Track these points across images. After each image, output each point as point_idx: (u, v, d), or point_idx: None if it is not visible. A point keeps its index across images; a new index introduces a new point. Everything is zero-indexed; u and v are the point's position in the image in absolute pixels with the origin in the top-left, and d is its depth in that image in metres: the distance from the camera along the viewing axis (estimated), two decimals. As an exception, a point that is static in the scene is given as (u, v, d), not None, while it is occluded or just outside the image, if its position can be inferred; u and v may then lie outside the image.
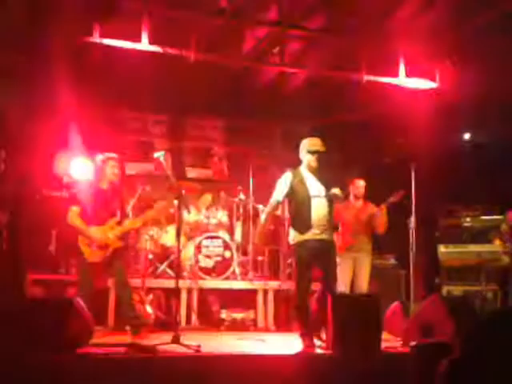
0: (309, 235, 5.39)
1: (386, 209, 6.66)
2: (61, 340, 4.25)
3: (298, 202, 5.48)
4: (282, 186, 5.56)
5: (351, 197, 6.95)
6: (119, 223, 5.97)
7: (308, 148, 5.54)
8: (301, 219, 5.44)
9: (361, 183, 6.94)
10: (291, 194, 5.52)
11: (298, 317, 5.47)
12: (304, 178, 5.52)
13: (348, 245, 6.75)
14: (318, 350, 5.17)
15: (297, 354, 4.92)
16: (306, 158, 5.56)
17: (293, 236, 5.52)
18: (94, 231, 5.81)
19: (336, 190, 5.40)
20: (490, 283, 6.98)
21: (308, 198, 5.42)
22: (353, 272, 6.74)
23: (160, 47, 6.63)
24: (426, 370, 4.44)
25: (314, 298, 5.56)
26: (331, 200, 5.48)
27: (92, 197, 5.96)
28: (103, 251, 5.81)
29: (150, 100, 8.58)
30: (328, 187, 5.46)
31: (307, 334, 5.32)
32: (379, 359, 4.72)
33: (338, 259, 6.25)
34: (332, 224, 5.61)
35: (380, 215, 6.72)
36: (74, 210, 5.88)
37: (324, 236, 5.42)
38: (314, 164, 5.52)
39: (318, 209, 5.41)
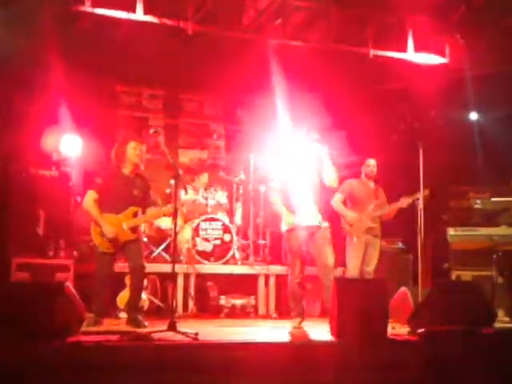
0: None
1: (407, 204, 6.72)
2: (50, 328, 4.16)
3: None
4: None
5: (363, 176, 7.01)
6: (136, 214, 5.79)
7: None
8: None
9: (372, 162, 6.98)
10: None
11: None
12: None
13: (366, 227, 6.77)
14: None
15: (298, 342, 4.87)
16: None
17: None
18: (108, 219, 5.62)
19: None
20: (501, 268, 6.90)
21: None
22: (362, 257, 6.74)
23: (156, 18, 6.48)
24: (435, 358, 4.42)
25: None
26: None
27: (111, 182, 5.77)
28: (113, 244, 5.67)
29: (145, 73, 8.43)
30: None
31: None
32: (385, 347, 4.64)
33: (350, 241, 6.72)
34: None
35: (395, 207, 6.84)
36: (91, 194, 5.70)
37: None
38: None
39: None
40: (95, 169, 6.77)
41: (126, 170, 5.82)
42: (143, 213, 5.87)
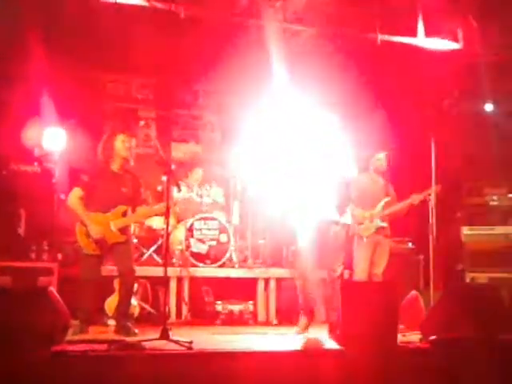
0: None
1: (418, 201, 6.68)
2: (32, 336, 4.13)
3: None
4: None
5: (371, 171, 6.98)
6: (125, 213, 5.77)
7: None
8: None
9: (381, 156, 6.96)
10: None
11: None
12: None
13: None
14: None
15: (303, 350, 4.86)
16: None
17: None
18: (95, 219, 5.61)
19: None
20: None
21: None
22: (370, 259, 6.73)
23: (146, 1, 6.48)
24: (448, 367, 4.42)
25: None
26: None
27: (98, 179, 5.76)
28: (100, 245, 5.65)
29: (134, 61, 8.41)
30: None
31: None
32: (395, 355, 4.63)
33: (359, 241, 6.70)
34: None
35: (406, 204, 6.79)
36: (76, 191, 5.69)
37: None
38: None
39: None
40: (81, 164, 6.75)
41: (115, 166, 5.79)
42: (133, 212, 5.84)
